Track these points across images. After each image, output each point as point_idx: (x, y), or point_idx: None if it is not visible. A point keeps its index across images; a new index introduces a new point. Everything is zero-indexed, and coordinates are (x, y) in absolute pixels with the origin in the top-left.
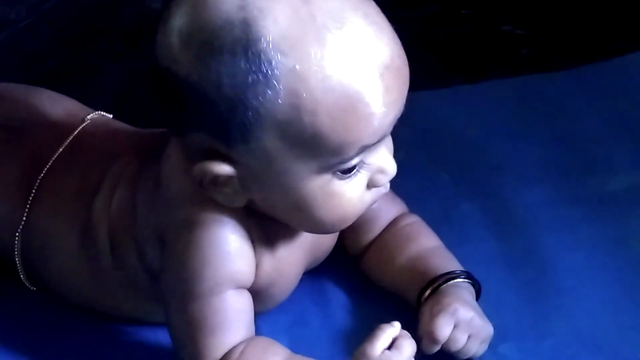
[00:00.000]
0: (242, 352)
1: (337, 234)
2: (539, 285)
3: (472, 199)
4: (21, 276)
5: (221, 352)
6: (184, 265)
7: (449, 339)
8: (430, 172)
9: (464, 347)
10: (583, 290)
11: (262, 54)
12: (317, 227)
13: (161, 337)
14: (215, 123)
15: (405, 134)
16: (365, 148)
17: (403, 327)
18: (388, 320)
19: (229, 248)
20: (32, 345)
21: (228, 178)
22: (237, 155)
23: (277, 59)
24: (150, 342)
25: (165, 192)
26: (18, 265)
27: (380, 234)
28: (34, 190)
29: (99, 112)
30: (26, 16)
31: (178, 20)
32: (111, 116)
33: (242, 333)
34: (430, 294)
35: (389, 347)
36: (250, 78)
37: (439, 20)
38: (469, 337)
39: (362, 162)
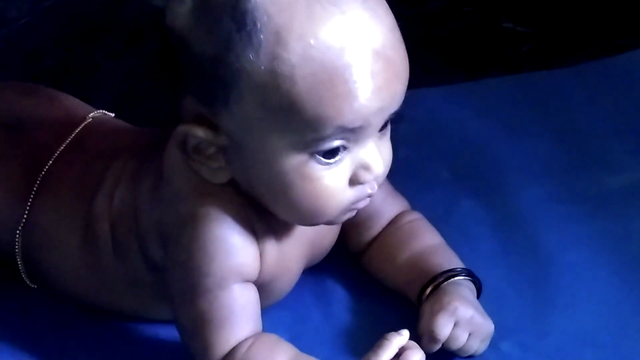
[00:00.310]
0: (249, 348)
1: (337, 229)
2: (540, 283)
3: (473, 197)
4: (22, 274)
5: (229, 346)
6: (188, 261)
7: (449, 338)
8: (431, 169)
9: (464, 345)
10: (584, 288)
11: (248, 13)
12: (293, 213)
13: (163, 334)
14: (200, 82)
15: (406, 131)
16: (343, 130)
17: (404, 325)
18: (389, 317)
19: (233, 242)
20: (33, 343)
21: (212, 149)
22: (219, 120)
23: (263, 20)
24: (152, 339)
25: (166, 187)
26: (19, 263)
27: (382, 231)
28: (35, 188)
29: (101, 110)
30: (26, 14)
31: None
32: (113, 115)
33: (249, 327)
34: (431, 292)
35: (397, 356)
36: (233, 35)
37: (440, 17)
38: (469, 335)
39: (343, 149)
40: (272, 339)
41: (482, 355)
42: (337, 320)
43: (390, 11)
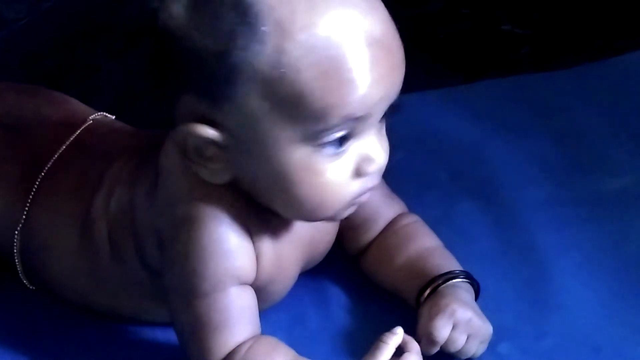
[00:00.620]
0: (247, 350)
1: (335, 232)
2: (538, 285)
3: (472, 199)
4: (20, 275)
5: (227, 349)
6: (185, 264)
7: (447, 340)
8: (429, 171)
9: (463, 347)
10: (582, 290)
11: (251, 6)
12: (296, 208)
13: (160, 336)
14: (201, 78)
15: (405, 134)
16: (348, 120)
17: (401, 327)
18: (387, 319)
19: (230, 244)
20: (30, 344)
21: (213, 149)
22: (221, 117)
23: (265, 12)
24: (149, 341)
25: (163, 189)
26: (17, 264)
27: (379, 234)
28: (33, 189)
29: (101, 113)
30: (26, 15)
31: None
32: (114, 117)
33: (248, 329)
34: (429, 295)
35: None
36: (236, 29)
37: (439, 19)
38: (468, 337)
39: (347, 141)
40: (270, 341)
41: (480, 357)
42: (336, 323)
43: (382, 3)
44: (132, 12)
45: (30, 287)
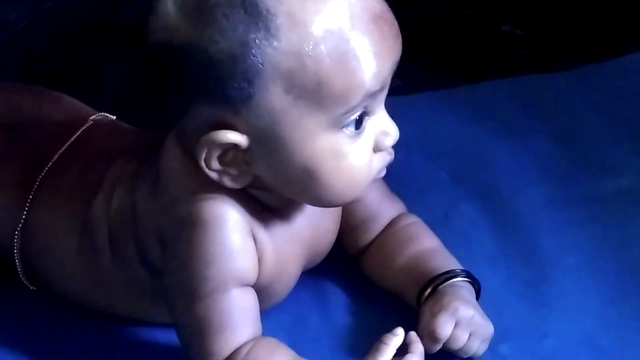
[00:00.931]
0: (248, 352)
1: (335, 231)
2: (539, 286)
3: (472, 200)
4: (20, 275)
5: (228, 350)
6: (187, 265)
7: (450, 338)
8: (430, 172)
9: (465, 345)
10: (582, 291)
11: (259, 3)
12: (327, 195)
13: (160, 337)
14: (218, 85)
15: (405, 134)
16: (366, 96)
17: (403, 327)
18: (388, 320)
19: (232, 246)
20: (30, 344)
21: (233, 154)
22: (242, 120)
23: (275, 6)
24: (150, 342)
25: (164, 190)
26: (17, 264)
27: (379, 234)
28: (34, 190)
29: (103, 113)
30: (26, 16)
31: None
32: (115, 117)
33: (249, 331)
34: (430, 294)
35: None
36: (250, 28)
37: (439, 20)
38: (469, 335)
39: (366, 117)
40: (271, 342)
41: (481, 357)
42: (336, 323)
43: None
44: (133, 12)
45: (31, 288)
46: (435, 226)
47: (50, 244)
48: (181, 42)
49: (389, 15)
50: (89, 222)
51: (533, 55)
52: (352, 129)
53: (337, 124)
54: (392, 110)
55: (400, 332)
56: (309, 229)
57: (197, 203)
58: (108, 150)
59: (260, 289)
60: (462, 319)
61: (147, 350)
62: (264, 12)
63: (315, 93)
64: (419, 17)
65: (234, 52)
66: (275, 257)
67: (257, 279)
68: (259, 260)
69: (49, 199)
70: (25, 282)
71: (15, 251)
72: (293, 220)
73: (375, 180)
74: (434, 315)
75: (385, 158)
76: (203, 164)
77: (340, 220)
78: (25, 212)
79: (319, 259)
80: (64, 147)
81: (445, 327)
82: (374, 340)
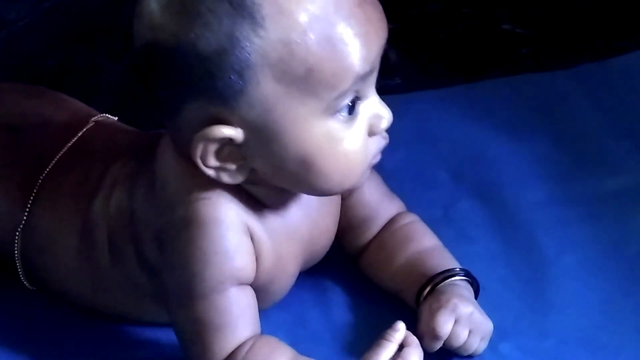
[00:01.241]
0: (248, 350)
1: (334, 230)
2: (539, 285)
3: (472, 198)
4: (21, 276)
5: (228, 350)
6: (185, 266)
7: (450, 335)
8: (429, 171)
9: (465, 343)
10: (582, 290)
11: None
12: (324, 183)
13: (161, 336)
14: (208, 80)
15: (405, 133)
16: (356, 80)
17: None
18: (388, 319)
19: (229, 245)
20: (31, 345)
21: (228, 149)
22: (236, 113)
23: None
24: (150, 342)
25: (160, 191)
26: (18, 265)
27: (378, 234)
28: (35, 190)
29: (104, 114)
30: (26, 15)
31: None
32: (116, 118)
33: (248, 329)
34: (429, 292)
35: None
36: (236, 20)
37: (439, 19)
38: (469, 333)
39: (356, 102)
40: (271, 341)
41: (481, 356)
42: (336, 322)
43: None
44: (132, 12)
45: (31, 288)
46: (434, 225)
47: (50, 244)
48: (168, 40)
49: None
50: (89, 222)
51: (533, 54)
52: (345, 114)
53: (330, 110)
54: (393, 108)
55: (401, 326)
56: (307, 227)
57: (194, 203)
58: (108, 150)
59: (258, 288)
60: (462, 316)
61: (147, 350)
62: (249, 3)
63: (305, 80)
64: (419, 17)
65: (221, 45)
66: (273, 255)
67: (256, 278)
68: (257, 258)
69: (50, 199)
70: (25, 282)
71: (16, 251)
72: (290, 218)
73: (372, 173)
74: (434, 313)
75: (380, 142)
76: (199, 161)
77: (338, 218)
78: (26, 213)
79: (318, 257)
80: (65, 148)
81: (445, 325)
82: (374, 339)
